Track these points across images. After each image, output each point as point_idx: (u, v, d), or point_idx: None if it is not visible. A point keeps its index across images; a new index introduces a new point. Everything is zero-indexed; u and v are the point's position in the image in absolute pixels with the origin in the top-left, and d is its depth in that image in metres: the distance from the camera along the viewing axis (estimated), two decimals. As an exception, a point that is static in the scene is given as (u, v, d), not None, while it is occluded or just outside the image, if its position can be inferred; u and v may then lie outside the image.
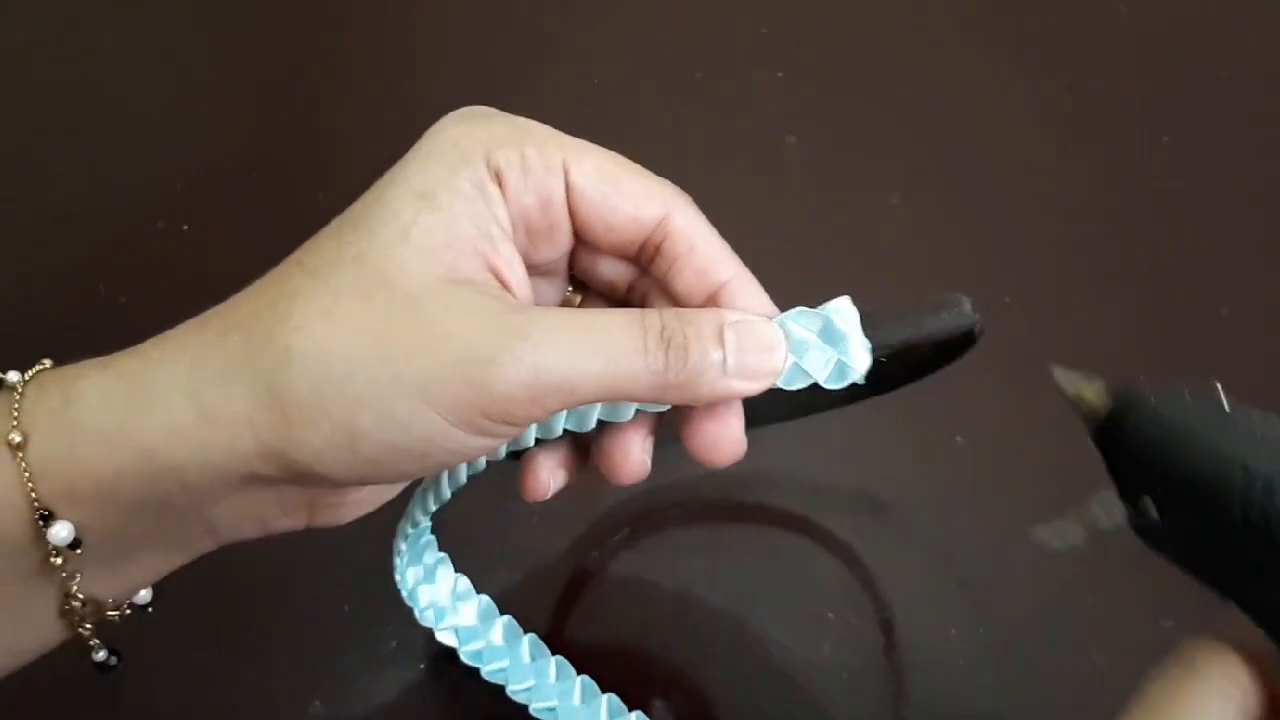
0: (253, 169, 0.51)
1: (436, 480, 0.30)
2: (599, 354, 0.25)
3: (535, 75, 0.55)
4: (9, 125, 0.54)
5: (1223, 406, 0.25)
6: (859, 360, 0.27)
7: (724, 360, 0.26)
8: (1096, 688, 0.38)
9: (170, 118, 0.54)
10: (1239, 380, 0.44)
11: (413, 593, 0.34)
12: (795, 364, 0.26)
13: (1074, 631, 0.39)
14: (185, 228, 0.49)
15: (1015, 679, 0.38)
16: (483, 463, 0.29)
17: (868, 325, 0.27)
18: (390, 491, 0.31)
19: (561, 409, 0.25)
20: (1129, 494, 0.27)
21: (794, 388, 0.27)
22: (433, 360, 0.24)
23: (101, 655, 0.29)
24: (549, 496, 0.30)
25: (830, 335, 0.27)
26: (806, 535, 0.41)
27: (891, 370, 0.33)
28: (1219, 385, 0.25)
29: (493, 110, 0.28)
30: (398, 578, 0.34)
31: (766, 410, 0.37)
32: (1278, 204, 0.50)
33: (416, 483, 0.31)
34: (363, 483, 0.28)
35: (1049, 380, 0.45)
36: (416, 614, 0.35)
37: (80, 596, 0.27)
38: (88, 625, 0.28)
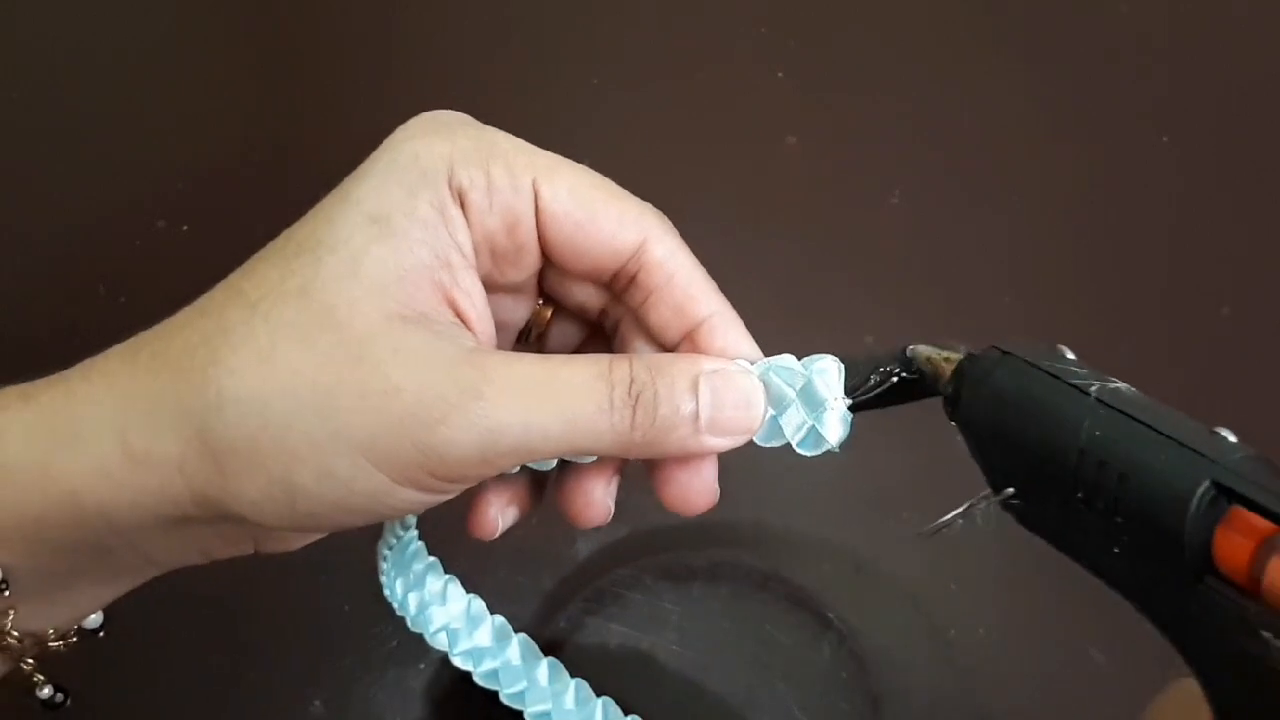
0: (253, 169, 0.51)
1: None
2: (560, 415, 0.23)
3: (535, 75, 0.55)
4: (9, 126, 0.54)
5: (1058, 375, 0.22)
6: (834, 431, 0.25)
7: (696, 415, 0.24)
8: (1096, 688, 0.38)
9: (170, 118, 0.54)
10: (1239, 380, 0.45)
11: (403, 601, 0.34)
12: (773, 418, 0.25)
13: (1074, 631, 0.39)
14: (185, 228, 0.49)
15: (1015, 679, 0.38)
16: None
17: (853, 375, 0.25)
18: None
19: (516, 465, 0.24)
20: (986, 470, 0.25)
21: (769, 445, 0.25)
22: (377, 417, 0.22)
23: (46, 693, 0.27)
24: (497, 535, 0.28)
25: (810, 399, 0.25)
26: (806, 535, 0.41)
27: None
28: (1066, 349, 0.23)
29: (459, 118, 0.26)
30: (386, 592, 0.34)
31: None
32: (1278, 204, 0.50)
33: None
34: (304, 531, 0.26)
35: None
36: (409, 621, 0.35)
37: (15, 633, 0.25)
38: (29, 660, 0.26)
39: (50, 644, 0.26)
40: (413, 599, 0.34)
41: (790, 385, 0.25)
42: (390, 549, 0.32)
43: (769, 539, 0.41)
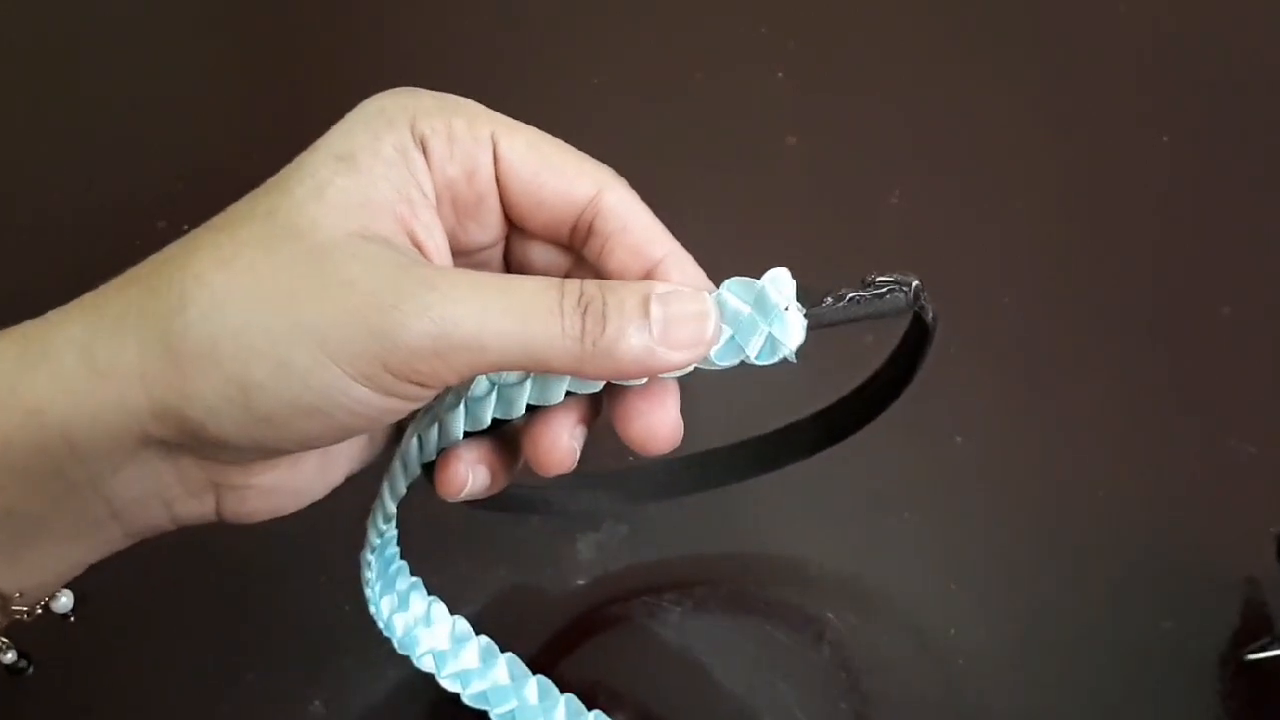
0: (253, 169, 0.51)
1: (380, 495, 0.29)
2: (512, 313, 0.23)
3: (535, 75, 0.55)
4: (9, 125, 0.54)
5: None
6: (792, 335, 0.25)
7: (649, 330, 0.24)
8: (1097, 688, 0.38)
9: (170, 118, 0.54)
10: (1239, 380, 0.45)
11: (389, 622, 0.34)
12: (731, 338, 0.25)
13: (1074, 632, 0.39)
14: (185, 228, 0.49)
15: (1015, 679, 0.38)
16: (416, 467, 0.28)
17: (805, 298, 0.25)
18: (310, 494, 0.29)
19: (472, 371, 0.24)
20: None
21: (726, 364, 0.25)
22: (333, 307, 0.23)
23: (10, 657, 0.28)
24: (464, 494, 0.28)
25: (763, 307, 0.25)
26: (806, 535, 0.41)
27: (859, 405, 0.33)
28: None
29: (424, 89, 0.27)
30: (371, 609, 0.33)
31: (728, 468, 0.37)
32: (1278, 204, 0.50)
33: (359, 507, 0.31)
34: (262, 448, 0.25)
35: (1049, 380, 0.46)
36: (395, 644, 0.35)
37: None
38: None
39: (16, 608, 0.26)
40: (399, 621, 0.34)
41: (745, 301, 0.25)
42: (374, 551, 0.31)
43: (769, 539, 0.41)
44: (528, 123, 0.27)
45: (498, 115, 0.27)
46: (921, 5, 0.58)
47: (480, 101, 0.27)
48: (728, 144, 0.52)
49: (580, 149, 0.28)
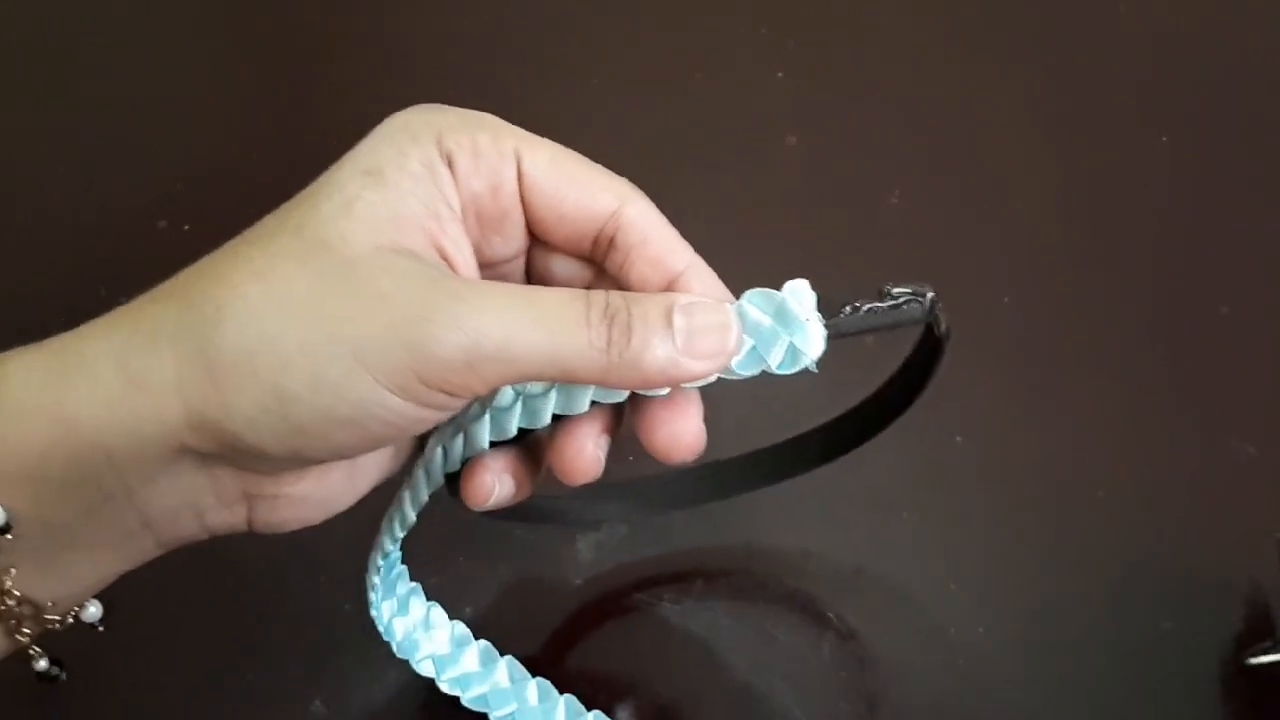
0: (253, 169, 0.51)
1: (399, 503, 0.29)
2: (540, 325, 0.24)
3: (535, 75, 0.55)
4: (9, 125, 0.54)
5: None
6: (813, 345, 0.25)
7: (673, 340, 0.25)
8: (1096, 689, 0.38)
9: (170, 118, 0.54)
10: (1239, 380, 0.45)
11: (389, 627, 0.34)
12: (753, 348, 0.25)
13: (1074, 632, 0.39)
14: (185, 228, 0.49)
15: (1015, 679, 0.38)
16: (440, 477, 0.28)
17: (825, 309, 0.26)
18: (338, 504, 0.29)
19: (501, 382, 0.24)
20: None
21: (748, 373, 0.26)
22: (367, 320, 0.23)
23: (43, 665, 0.28)
24: (490, 503, 0.28)
25: (784, 318, 0.25)
26: (806, 535, 0.41)
27: (872, 413, 0.33)
28: None
29: (448, 106, 0.27)
30: (374, 613, 0.34)
31: (742, 477, 0.37)
32: (1278, 204, 0.50)
33: (374, 511, 0.31)
34: (297, 458, 0.26)
35: (1049, 380, 0.46)
36: (394, 648, 0.35)
37: (16, 593, 0.26)
38: (26, 630, 0.27)
39: (48, 616, 0.27)
40: (398, 625, 0.34)
41: (764, 312, 0.25)
42: (385, 558, 0.32)
43: (769, 539, 0.41)
44: (527, 123, 0.28)
45: (520, 130, 0.27)
46: (921, 5, 0.58)
47: (480, 102, 0.28)
48: (728, 144, 0.52)
49: (580, 149, 0.28)
